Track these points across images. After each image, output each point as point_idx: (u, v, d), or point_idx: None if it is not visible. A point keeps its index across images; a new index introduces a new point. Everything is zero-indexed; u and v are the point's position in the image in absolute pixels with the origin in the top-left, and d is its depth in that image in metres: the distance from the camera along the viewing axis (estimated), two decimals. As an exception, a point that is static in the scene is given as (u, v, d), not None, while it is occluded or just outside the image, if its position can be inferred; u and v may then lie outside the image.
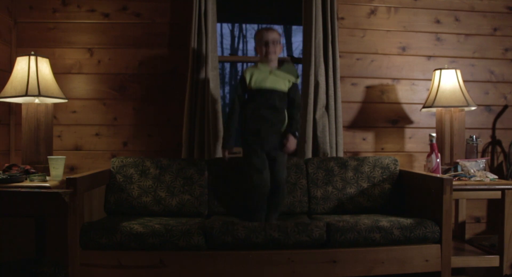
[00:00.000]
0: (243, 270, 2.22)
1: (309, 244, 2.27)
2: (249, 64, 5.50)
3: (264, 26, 2.64)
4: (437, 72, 2.95)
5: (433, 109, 3.01)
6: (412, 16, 3.26)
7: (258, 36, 2.55)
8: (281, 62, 2.56)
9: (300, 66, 3.20)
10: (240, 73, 6.91)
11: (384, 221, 2.35)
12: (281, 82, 2.51)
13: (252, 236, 2.22)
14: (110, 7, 3.07)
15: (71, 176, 2.19)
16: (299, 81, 2.57)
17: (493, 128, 3.32)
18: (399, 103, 3.25)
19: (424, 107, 2.97)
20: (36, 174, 2.44)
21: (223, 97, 5.95)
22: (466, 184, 2.53)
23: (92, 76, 3.07)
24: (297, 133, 2.55)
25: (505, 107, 3.33)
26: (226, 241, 2.22)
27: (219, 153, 2.94)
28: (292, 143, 2.48)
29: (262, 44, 2.51)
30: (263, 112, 2.47)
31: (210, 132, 2.89)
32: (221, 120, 2.97)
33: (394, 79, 3.25)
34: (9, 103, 2.90)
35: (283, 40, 2.70)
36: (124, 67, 3.07)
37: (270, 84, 2.48)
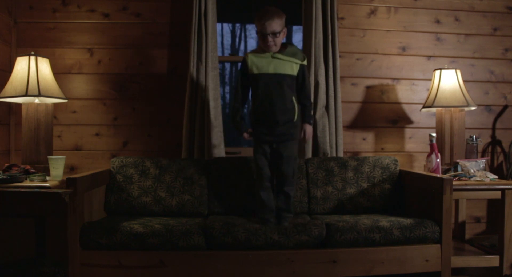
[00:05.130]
0: (243, 270, 2.22)
1: (309, 243, 2.27)
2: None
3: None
4: (437, 72, 2.95)
5: (433, 109, 3.01)
6: (412, 16, 3.26)
7: (257, 24, 2.31)
8: (283, 45, 2.40)
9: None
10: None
11: (384, 221, 2.35)
12: (287, 65, 2.34)
13: (252, 238, 2.22)
14: (110, 7, 3.07)
15: (71, 176, 2.19)
16: (306, 62, 2.41)
17: (493, 128, 3.32)
18: (399, 103, 3.25)
19: (424, 107, 2.97)
20: (36, 174, 2.44)
21: (223, 97, 5.94)
22: (466, 184, 2.53)
23: (92, 76, 3.07)
24: (311, 121, 2.47)
25: (505, 107, 3.33)
26: (226, 242, 2.22)
27: (219, 153, 2.95)
28: (309, 132, 2.43)
29: (260, 34, 2.31)
30: (271, 100, 2.32)
31: (210, 132, 2.89)
32: (221, 120, 2.97)
33: (394, 79, 3.25)
34: (9, 103, 2.90)
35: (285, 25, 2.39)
36: (124, 67, 3.07)
37: (274, 68, 2.33)
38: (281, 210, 2.40)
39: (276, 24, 2.29)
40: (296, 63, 2.36)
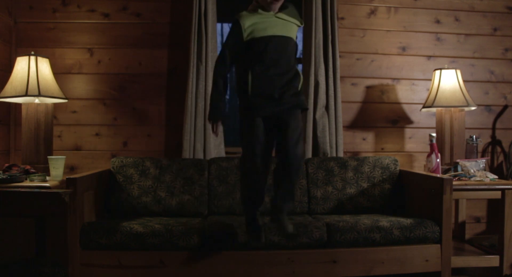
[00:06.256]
0: (243, 270, 2.22)
1: (310, 246, 2.26)
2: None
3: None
4: (437, 72, 2.95)
5: (433, 109, 3.01)
6: (412, 16, 3.26)
7: None
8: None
9: (299, 65, 3.20)
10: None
11: (384, 221, 2.35)
12: (290, 27, 2.01)
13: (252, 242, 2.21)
14: (110, 7, 3.06)
15: (71, 176, 2.19)
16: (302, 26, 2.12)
17: (493, 128, 3.32)
18: (399, 103, 3.25)
19: (424, 107, 2.97)
20: (36, 174, 2.44)
21: (223, 97, 5.91)
22: (466, 184, 2.53)
23: (92, 76, 3.07)
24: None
25: (505, 107, 3.33)
26: (226, 245, 2.22)
27: (219, 153, 2.94)
28: None
29: None
30: (276, 72, 1.98)
31: (209, 132, 2.89)
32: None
33: (394, 79, 3.25)
34: (9, 103, 2.90)
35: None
36: (124, 67, 3.07)
37: (281, 30, 1.98)
38: (280, 202, 2.02)
39: None
40: (298, 26, 2.07)
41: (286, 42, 2.01)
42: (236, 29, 1.98)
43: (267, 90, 1.97)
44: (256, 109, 1.97)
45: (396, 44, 3.25)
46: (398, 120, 3.25)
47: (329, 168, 2.77)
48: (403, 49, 3.26)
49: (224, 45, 2.03)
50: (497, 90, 3.33)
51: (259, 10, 2.00)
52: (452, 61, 3.28)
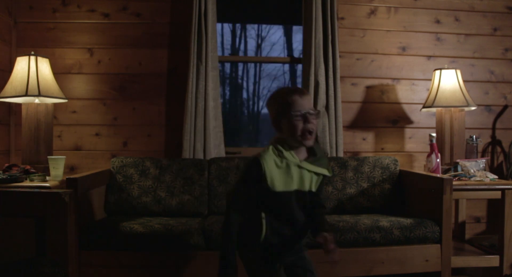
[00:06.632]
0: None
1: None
2: (249, 64, 5.48)
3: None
4: (437, 72, 2.95)
5: (433, 109, 3.01)
6: (412, 16, 3.26)
7: (286, 101, 1.60)
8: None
9: (299, 66, 3.19)
10: (240, 75, 6.79)
11: (384, 221, 2.35)
12: (317, 179, 1.70)
13: None
14: (110, 7, 3.07)
15: (71, 176, 2.19)
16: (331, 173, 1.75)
17: (493, 128, 3.32)
18: (399, 103, 3.25)
19: (424, 107, 2.97)
20: (36, 174, 2.44)
21: (223, 96, 5.95)
22: (466, 184, 2.53)
23: (92, 76, 3.07)
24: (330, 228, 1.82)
25: (505, 107, 3.33)
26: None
27: (219, 153, 2.95)
28: (333, 241, 1.62)
29: (296, 115, 1.58)
30: (291, 231, 1.68)
31: (209, 132, 2.89)
32: (221, 120, 2.97)
33: (394, 79, 3.25)
34: (9, 103, 2.90)
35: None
36: (124, 67, 3.07)
37: (301, 184, 1.65)
38: None
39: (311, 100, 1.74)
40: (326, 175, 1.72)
41: (304, 196, 1.68)
42: (257, 175, 1.62)
43: (279, 244, 1.68)
44: (269, 257, 1.70)
45: (396, 44, 3.25)
46: (398, 120, 3.25)
47: (329, 168, 2.77)
48: (403, 49, 3.26)
49: (241, 186, 1.68)
50: (497, 90, 3.33)
51: (284, 152, 1.63)
52: (452, 61, 3.28)
